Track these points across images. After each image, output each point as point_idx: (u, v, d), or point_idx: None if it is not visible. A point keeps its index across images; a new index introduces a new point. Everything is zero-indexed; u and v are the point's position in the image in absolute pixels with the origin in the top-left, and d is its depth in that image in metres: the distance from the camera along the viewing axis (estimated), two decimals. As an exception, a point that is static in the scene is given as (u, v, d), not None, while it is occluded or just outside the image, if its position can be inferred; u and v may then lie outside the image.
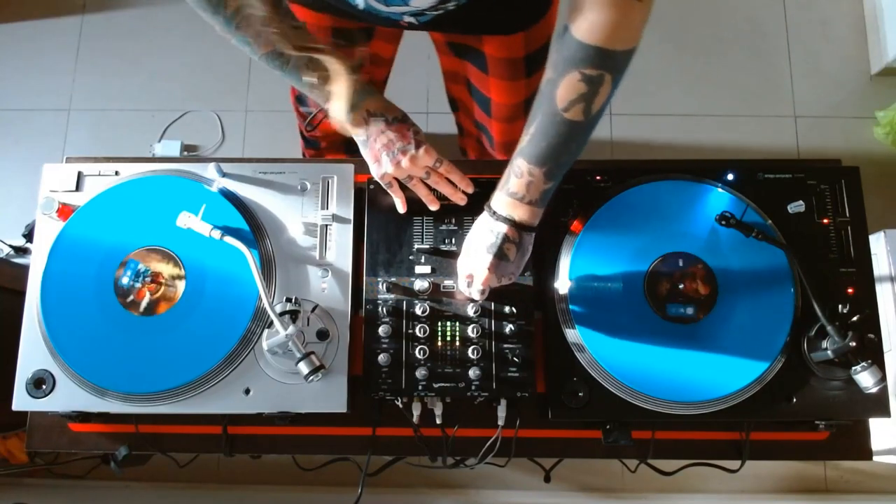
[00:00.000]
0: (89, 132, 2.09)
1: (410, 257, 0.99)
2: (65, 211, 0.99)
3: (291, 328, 0.86)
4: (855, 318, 0.92)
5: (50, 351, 0.94)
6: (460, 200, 0.99)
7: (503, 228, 0.87)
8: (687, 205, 1.00)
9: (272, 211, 1.01)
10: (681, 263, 0.97)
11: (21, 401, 0.94)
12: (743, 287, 0.96)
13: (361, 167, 1.04)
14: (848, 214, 1.00)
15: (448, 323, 0.96)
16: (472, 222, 0.93)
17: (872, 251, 1.00)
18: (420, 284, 0.97)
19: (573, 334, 0.95)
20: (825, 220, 1.00)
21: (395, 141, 0.93)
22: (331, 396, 0.93)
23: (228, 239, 0.93)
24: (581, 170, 1.02)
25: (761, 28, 2.16)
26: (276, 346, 0.87)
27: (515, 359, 0.94)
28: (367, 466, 0.99)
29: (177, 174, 1.02)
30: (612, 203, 1.00)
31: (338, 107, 0.93)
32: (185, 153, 2.06)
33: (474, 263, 0.90)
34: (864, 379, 0.88)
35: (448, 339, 0.95)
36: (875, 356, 0.91)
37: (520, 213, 0.86)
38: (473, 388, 0.94)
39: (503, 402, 0.95)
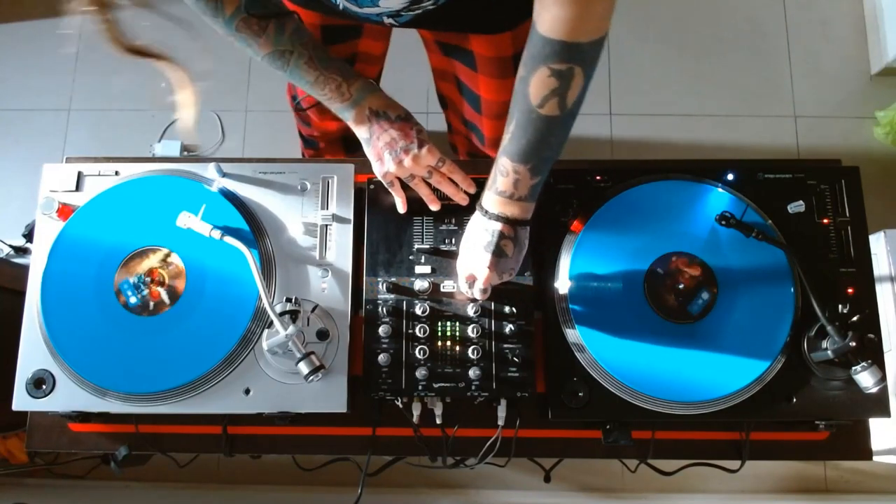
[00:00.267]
0: (89, 132, 2.09)
1: (410, 257, 0.99)
2: (65, 211, 0.99)
3: (291, 328, 0.86)
4: (855, 318, 0.92)
5: (50, 351, 0.94)
6: (462, 200, 0.99)
7: (497, 226, 0.87)
8: (687, 205, 1.00)
9: (272, 211, 1.01)
10: (681, 263, 0.97)
11: (21, 401, 0.94)
12: (743, 287, 0.96)
13: (361, 167, 1.04)
14: (848, 214, 1.00)
15: (448, 323, 0.96)
16: (472, 222, 0.93)
17: (872, 251, 1.00)
18: (420, 284, 0.97)
19: (573, 334, 0.95)
20: (825, 220, 1.00)
21: (398, 139, 0.93)
22: (331, 396, 0.93)
23: (228, 239, 0.93)
24: (581, 170, 1.02)
25: (761, 28, 2.16)
26: (276, 346, 0.87)
27: (515, 359, 0.94)
28: (367, 466, 0.99)
29: (177, 174, 1.02)
30: (612, 203, 1.00)
31: (339, 105, 0.93)
32: (185, 153, 2.06)
33: (474, 264, 0.90)
34: (864, 379, 0.88)
35: (448, 339, 0.95)
36: (875, 356, 0.91)
37: (511, 210, 0.86)
38: (473, 388, 0.94)
39: (503, 402, 0.95)
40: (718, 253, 0.97)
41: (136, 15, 0.72)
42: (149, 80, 2.12)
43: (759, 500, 1.79)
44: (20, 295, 0.97)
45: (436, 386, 0.94)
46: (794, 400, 0.94)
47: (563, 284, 0.97)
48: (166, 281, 0.96)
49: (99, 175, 1.03)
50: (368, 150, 0.96)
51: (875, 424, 1.00)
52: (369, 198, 1.01)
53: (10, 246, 1.49)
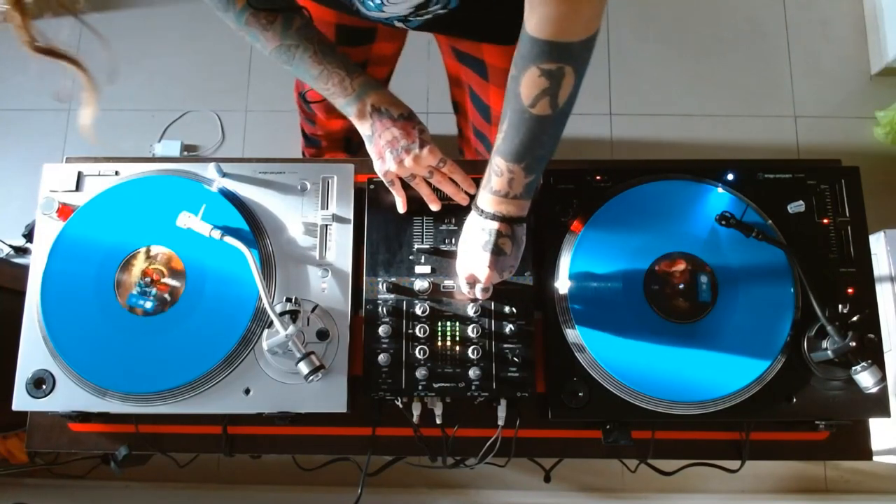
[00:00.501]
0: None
1: (410, 257, 0.99)
2: (65, 211, 0.99)
3: (291, 328, 0.86)
4: (855, 318, 0.92)
5: (50, 351, 0.94)
6: (462, 201, 0.99)
7: (494, 225, 0.87)
8: (687, 205, 1.00)
9: (272, 211, 1.01)
10: (681, 263, 0.97)
11: (21, 401, 0.94)
12: (743, 287, 0.96)
13: (361, 167, 1.04)
14: (848, 214, 1.00)
15: (448, 323, 0.96)
16: (472, 222, 0.93)
17: (872, 251, 1.00)
18: (420, 284, 0.97)
19: (573, 334, 0.95)
20: (825, 220, 1.00)
21: (400, 138, 0.92)
22: (331, 396, 0.93)
23: (228, 239, 0.93)
24: (581, 170, 1.03)
25: (761, 28, 2.16)
26: (276, 346, 0.87)
27: (515, 359, 0.94)
28: (367, 466, 0.99)
29: (177, 174, 1.02)
30: (612, 203, 1.00)
31: (342, 100, 0.93)
32: (185, 153, 2.06)
33: (473, 264, 0.90)
34: (864, 379, 0.88)
35: (448, 338, 0.95)
36: (875, 356, 0.91)
37: (507, 208, 0.86)
38: (473, 388, 0.94)
39: (503, 402, 0.95)
40: (718, 253, 0.97)
41: (57, 21, 0.75)
42: (149, 81, 2.12)
43: (759, 500, 1.79)
44: (20, 295, 0.97)
45: (436, 386, 0.94)
46: (794, 400, 0.94)
47: (563, 284, 0.97)
48: (164, 271, 0.96)
49: (99, 175, 1.03)
50: (370, 148, 0.96)
51: (875, 424, 1.00)
52: (369, 198, 1.01)
53: (10, 246, 1.49)
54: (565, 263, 0.98)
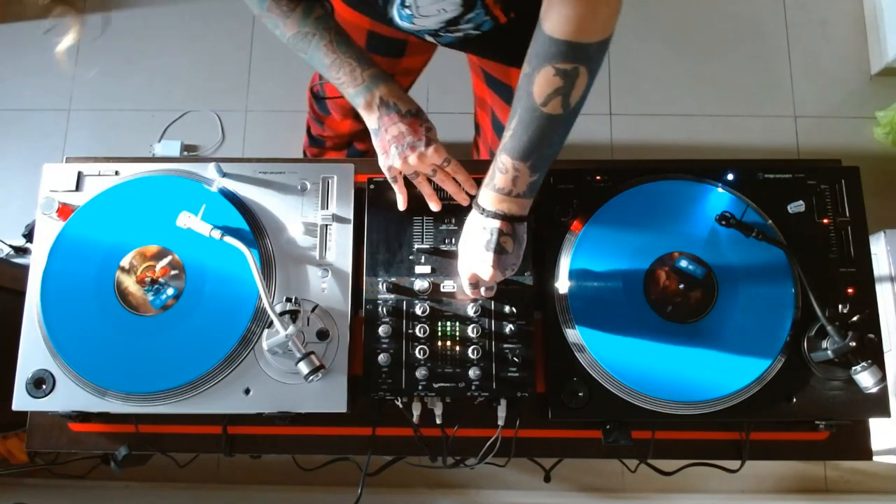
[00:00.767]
0: (89, 132, 2.09)
1: (410, 257, 0.99)
2: (65, 211, 0.99)
3: (291, 328, 0.86)
4: (855, 318, 0.92)
5: (50, 351, 0.94)
6: (463, 201, 0.99)
7: (496, 224, 0.87)
8: (687, 205, 1.00)
9: (272, 211, 1.01)
10: (681, 263, 0.97)
11: (21, 401, 0.94)
12: (743, 287, 0.96)
13: (361, 167, 1.04)
14: (848, 214, 1.00)
15: (448, 323, 0.96)
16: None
17: (872, 251, 1.00)
18: (420, 284, 0.97)
19: (573, 334, 0.95)
20: (825, 220, 1.00)
21: (406, 134, 0.92)
22: (331, 396, 0.93)
23: (228, 239, 0.93)
24: (581, 170, 1.03)
25: (761, 28, 2.16)
26: (276, 346, 0.87)
27: (515, 359, 0.94)
28: (367, 466, 0.99)
29: (177, 174, 1.02)
30: (612, 203, 1.00)
31: (351, 90, 0.93)
32: (185, 153, 2.06)
33: (476, 264, 0.89)
34: (864, 379, 0.88)
35: (448, 338, 0.95)
36: (875, 356, 0.91)
37: (509, 207, 0.86)
38: (473, 388, 0.94)
39: (503, 402, 0.95)
40: (718, 253, 0.97)
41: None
42: (149, 81, 2.12)
43: (759, 500, 1.79)
44: (20, 295, 0.97)
45: (436, 386, 0.94)
46: (794, 400, 0.94)
47: (563, 284, 0.97)
48: (155, 268, 0.96)
49: (99, 175, 1.03)
50: (375, 141, 0.95)
51: (875, 424, 1.00)
52: (369, 198, 1.01)
53: (10, 246, 1.49)
54: (565, 263, 0.98)
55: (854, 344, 0.87)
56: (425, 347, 0.94)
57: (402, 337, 0.95)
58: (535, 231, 1.00)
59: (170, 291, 0.95)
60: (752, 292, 0.96)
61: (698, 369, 0.94)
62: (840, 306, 0.94)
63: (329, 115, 1.51)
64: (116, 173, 1.03)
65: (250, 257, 0.91)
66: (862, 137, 2.05)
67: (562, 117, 0.79)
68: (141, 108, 2.10)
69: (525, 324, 0.95)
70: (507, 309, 0.96)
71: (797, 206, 1.00)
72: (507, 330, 0.95)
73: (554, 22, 0.73)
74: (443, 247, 0.99)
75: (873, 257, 1.00)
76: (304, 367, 0.86)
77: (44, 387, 0.93)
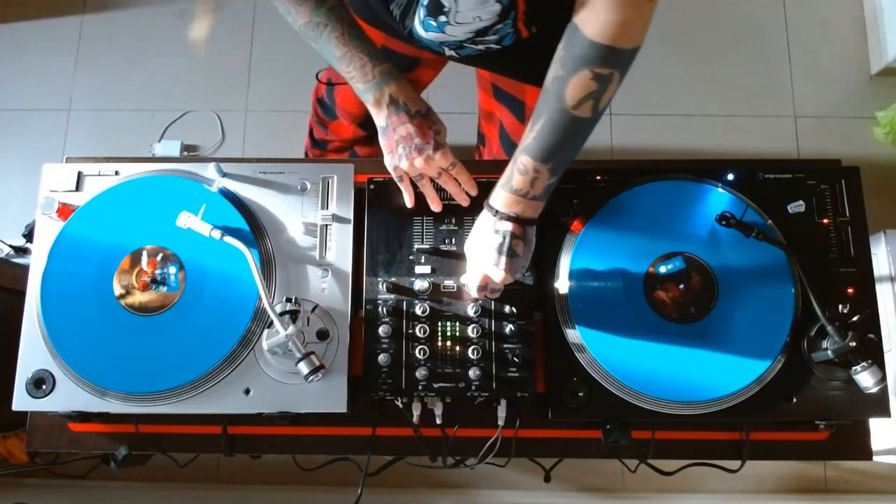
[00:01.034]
0: (89, 132, 2.09)
1: (410, 257, 0.99)
2: (65, 211, 0.99)
3: (291, 328, 0.86)
4: (855, 318, 0.92)
5: (50, 351, 0.94)
6: (463, 201, 0.99)
7: (508, 227, 0.87)
8: (687, 205, 1.00)
9: (272, 211, 1.01)
10: (681, 263, 0.97)
11: (21, 401, 0.93)
12: (743, 287, 0.96)
13: (361, 167, 1.04)
14: (848, 214, 1.00)
15: (448, 323, 0.96)
16: (472, 222, 0.92)
17: (872, 251, 1.00)
18: (420, 284, 0.97)
19: (573, 334, 0.95)
20: (825, 220, 1.00)
21: (414, 136, 0.92)
22: (331, 396, 0.93)
23: (228, 239, 0.93)
24: (581, 170, 1.02)
25: (761, 28, 2.16)
26: (276, 346, 0.87)
27: (515, 359, 0.94)
28: (367, 466, 0.99)
29: (177, 174, 1.02)
30: (612, 203, 1.00)
31: (361, 85, 0.92)
32: (185, 153, 2.06)
33: (487, 267, 0.89)
34: (864, 379, 0.88)
35: (448, 339, 0.95)
36: (875, 356, 0.91)
37: (523, 209, 0.86)
38: (473, 388, 0.94)
39: (503, 402, 0.95)
40: (718, 253, 0.97)
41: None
42: (149, 81, 2.12)
43: (759, 500, 1.79)
44: (20, 295, 0.97)
45: (436, 386, 0.94)
46: (794, 400, 0.94)
47: (563, 284, 0.97)
48: (143, 268, 0.96)
49: (99, 175, 1.03)
50: (382, 140, 0.95)
51: (875, 424, 1.00)
52: (369, 198, 1.01)
53: (10, 246, 1.49)
54: (565, 263, 0.98)
55: (854, 344, 0.87)
56: (425, 347, 0.94)
57: (402, 337, 0.95)
58: (536, 231, 1.00)
59: (172, 270, 0.95)
60: (752, 292, 0.96)
61: (698, 369, 0.94)
62: (840, 306, 0.94)
63: (335, 120, 1.51)
64: (116, 173, 1.03)
65: (250, 257, 0.91)
66: (862, 137, 2.05)
67: (589, 121, 0.80)
68: (141, 108, 2.10)
69: (525, 324, 0.95)
70: (507, 309, 0.96)
71: (797, 206, 1.00)
72: (507, 330, 0.95)
73: (597, 27, 0.74)
74: (443, 247, 0.99)
75: (873, 257, 1.00)
76: (304, 367, 0.86)
77: (44, 387, 0.93)
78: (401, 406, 0.96)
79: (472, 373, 0.93)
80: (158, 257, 0.96)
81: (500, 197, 0.87)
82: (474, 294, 0.94)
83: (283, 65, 2.11)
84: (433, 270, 0.98)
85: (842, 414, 0.94)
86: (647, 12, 0.74)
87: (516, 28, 0.90)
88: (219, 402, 0.93)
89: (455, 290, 0.97)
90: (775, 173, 1.02)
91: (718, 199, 1.00)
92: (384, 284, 0.97)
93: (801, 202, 1.00)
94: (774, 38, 2.15)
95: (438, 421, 0.96)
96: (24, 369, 0.94)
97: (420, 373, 0.93)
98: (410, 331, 0.95)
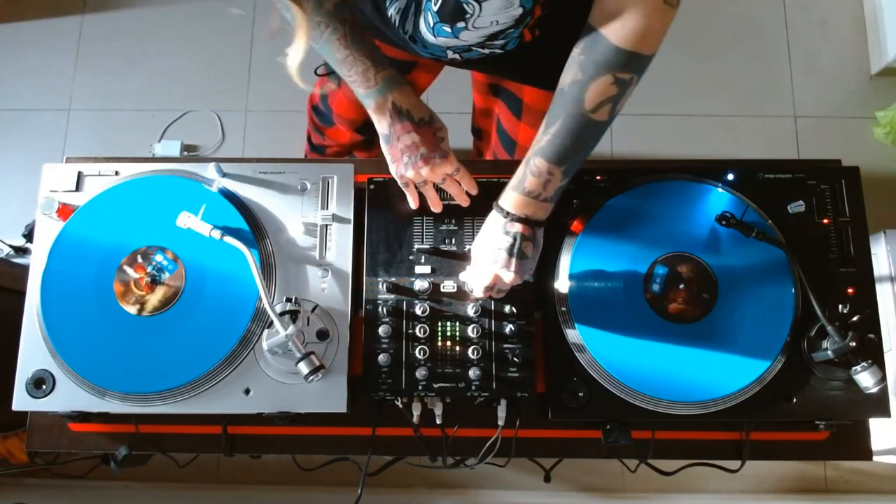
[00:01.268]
0: (89, 132, 2.09)
1: (410, 257, 0.99)
2: (65, 211, 0.99)
3: (291, 328, 0.86)
4: (855, 318, 0.92)
5: (50, 351, 0.94)
6: (464, 202, 0.99)
7: (518, 228, 0.87)
8: (687, 205, 1.00)
9: (272, 211, 1.01)
10: (681, 263, 0.97)
11: (21, 401, 0.94)
12: (743, 287, 0.96)
13: (361, 167, 1.04)
14: (848, 214, 1.00)
15: (448, 323, 0.96)
16: (472, 222, 0.93)
17: (872, 251, 1.00)
18: (420, 284, 0.97)
19: (573, 334, 0.95)
20: (825, 220, 1.00)
21: (420, 145, 0.91)
22: (331, 396, 0.93)
23: (228, 239, 0.93)
24: (581, 170, 1.01)
25: (761, 28, 2.16)
26: (276, 346, 0.87)
27: (515, 359, 0.94)
28: (367, 466, 0.99)
29: (177, 174, 1.02)
30: (613, 203, 1.00)
31: (363, 90, 0.92)
32: (185, 153, 2.06)
33: (497, 268, 0.89)
34: (864, 379, 0.88)
35: (448, 339, 0.95)
36: (875, 356, 0.91)
37: (533, 211, 0.87)
38: (473, 388, 0.94)
39: (503, 402, 0.95)
40: (718, 253, 0.97)
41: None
42: (149, 81, 2.12)
43: (759, 500, 1.79)
44: (20, 295, 0.97)
45: (436, 386, 0.94)
46: (794, 400, 0.94)
47: (563, 284, 0.97)
48: (133, 271, 0.96)
49: (99, 175, 1.03)
50: (385, 147, 0.94)
51: (875, 424, 1.00)
52: (369, 198, 1.01)
53: (10, 246, 1.49)
54: (565, 263, 0.98)
55: (854, 344, 0.87)
56: (425, 347, 0.94)
57: (402, 337, 0.95)
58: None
59: (159, 258, 0.95)
60: (752, 292, 0.96)
61: (698, 369, 0.94)
62: (840, 306, 0.94)
63: (332, 127, 1.51)
64: (116, 173, 1.03)
65: (250, 257, 0.91)
66: (862, 137, 2.05)
67: (604, 124, 0.81)
68: (141, 108, 2.10)
69: (525, 324, 0.95)
70: (507, 309, 0.96)
71: (797, 206, 1.00)
72: (507, 330, 0.95)
73: (623, 33, 0.75)
74: (443, 247, 0.99)
75: (873, 257, 1.00)
76: (304, 367, 0.86)
77: (44, 387, 0.93)
78: (401, 406, 0.96)
79: (472, 373, 0.93)
80: (139, 259, 0.96)
81: (511, 198, 0.87)
82: (478, 294, 0.94)
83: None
84: (433, 270, 0.98)
85: (842, 414, 0.94)
86: (670, 20, 0.76)
87: (521, 32, 0.90)
88: (219, 402, 0.93)
89: (455, 290, 0.97)
90: (775, 173, 1.02)
91: (718, 199, 1.00)
92: (384, 284, 0.97)
93: (801, 202, 1.00)
94: (774, 38, 2.15)
95: (438, 421, 0.96)
96: (24, 369, 0.94)
97: (420, 373, 0.93)
98: (410, 331, 0.95)
